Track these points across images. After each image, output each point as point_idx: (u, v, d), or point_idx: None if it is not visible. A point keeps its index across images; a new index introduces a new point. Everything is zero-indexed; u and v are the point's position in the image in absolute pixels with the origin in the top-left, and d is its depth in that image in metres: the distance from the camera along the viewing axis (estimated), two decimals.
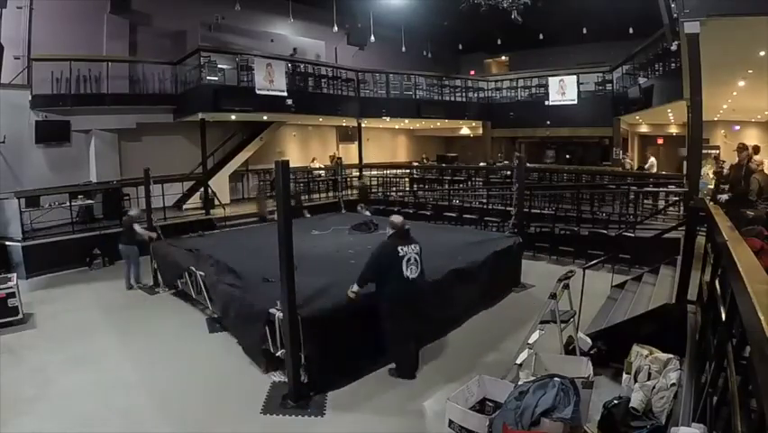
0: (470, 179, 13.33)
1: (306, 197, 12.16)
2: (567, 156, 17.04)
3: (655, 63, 10.77)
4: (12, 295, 5.52)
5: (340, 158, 15.09)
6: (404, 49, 16.17)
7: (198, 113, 10.79)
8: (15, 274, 6.13)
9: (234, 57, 11.56)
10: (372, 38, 14.18)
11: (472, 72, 18.69)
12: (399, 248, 4.12)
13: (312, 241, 6.91)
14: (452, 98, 16.40)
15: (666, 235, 6.93)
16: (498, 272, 6.06)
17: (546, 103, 15.28)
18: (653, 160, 12.94)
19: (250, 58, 11.49)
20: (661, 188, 9.50)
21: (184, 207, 11.36)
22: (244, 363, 4.47)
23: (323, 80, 13.30)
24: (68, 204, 8.82)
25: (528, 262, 7.53)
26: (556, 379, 2.71)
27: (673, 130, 15.32)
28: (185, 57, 11.24)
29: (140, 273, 7.11)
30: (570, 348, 4.37)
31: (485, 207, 10.28)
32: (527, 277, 6.90)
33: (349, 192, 12.76)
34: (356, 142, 15.10)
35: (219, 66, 11.05)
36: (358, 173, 14.27)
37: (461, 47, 19.06)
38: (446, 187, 12.80)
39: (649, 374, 3.32)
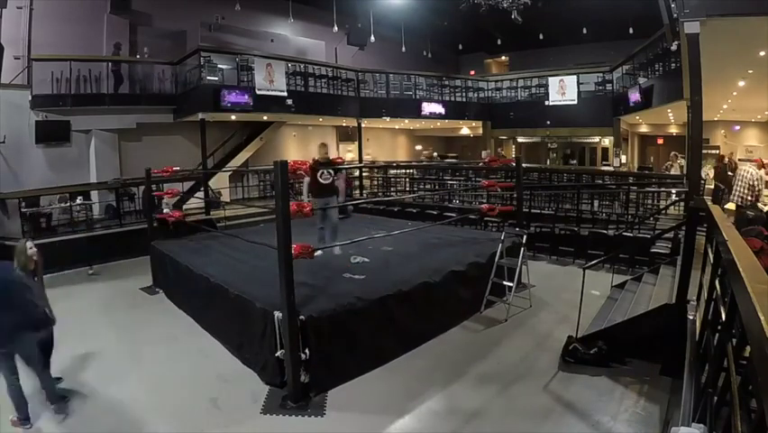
0: (469, 179, 13.28)
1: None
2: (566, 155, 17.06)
3: (655, 63, 10.78)
4: None
5: (340, 158, 15.06)
6: (404, 49, 16.18)
7: (198, 113, 10.79)
8: None
9: (234, 57, 11.56)
10: (372, 38, 14.21)
11: (472, 72, 18.70)
12: None
13: None
14: (452, 98, 16.39)
15: (666, 235, 6.94)
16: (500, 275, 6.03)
17: (546, 103, 15.29)
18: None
19: (250, 58, 11.51)
20: (661, 189, 9.50)
21: (184, 207, 11.35)
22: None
23: (323, 80, 13.29)
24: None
25: (528, 261, 7.50)
26: None
27: (673, 130, 15.33)
28: (185, 57, 11.25)
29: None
30: (570, 348, 4.38)
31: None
32: (527, 277, 6.87)
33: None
34: (356, 142, 15.11)
35: (219, 66, 11.05)
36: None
37: (461, 47, 19.10)
38: (446, 187, 12.77)
39: None
